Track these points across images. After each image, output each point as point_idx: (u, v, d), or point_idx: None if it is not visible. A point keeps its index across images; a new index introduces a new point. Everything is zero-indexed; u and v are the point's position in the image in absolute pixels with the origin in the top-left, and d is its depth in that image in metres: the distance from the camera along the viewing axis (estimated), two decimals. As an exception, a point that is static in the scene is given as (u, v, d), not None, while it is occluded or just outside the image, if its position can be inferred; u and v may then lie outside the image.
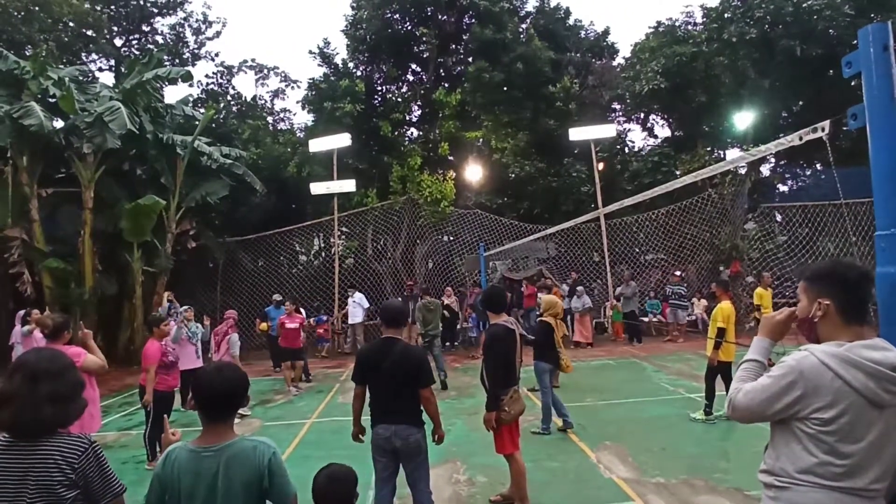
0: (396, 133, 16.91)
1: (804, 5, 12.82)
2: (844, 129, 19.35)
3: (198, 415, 2.01)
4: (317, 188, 14.81)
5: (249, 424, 7.47)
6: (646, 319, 14.48)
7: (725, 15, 14.67)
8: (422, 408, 3.53)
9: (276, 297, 11.60)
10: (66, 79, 12.44)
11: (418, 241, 16.41)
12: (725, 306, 6.61)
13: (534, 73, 16.17)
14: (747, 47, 13.86)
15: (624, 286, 13.66)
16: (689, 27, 16.57)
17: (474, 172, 17.18)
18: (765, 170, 19.13)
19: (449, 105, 16.58)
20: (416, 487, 3.57)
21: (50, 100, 12.81)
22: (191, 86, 20.43)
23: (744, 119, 15.25)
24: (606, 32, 19.24)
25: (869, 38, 2.00)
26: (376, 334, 14.37)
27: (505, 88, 16.44)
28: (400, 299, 13.12)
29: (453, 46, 18.87)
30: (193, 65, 22.28)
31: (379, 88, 18.43)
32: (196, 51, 22.52)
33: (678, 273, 13.94)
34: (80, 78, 14.50)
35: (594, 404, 7.73)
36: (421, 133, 18.76)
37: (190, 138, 13.89)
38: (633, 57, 17.93)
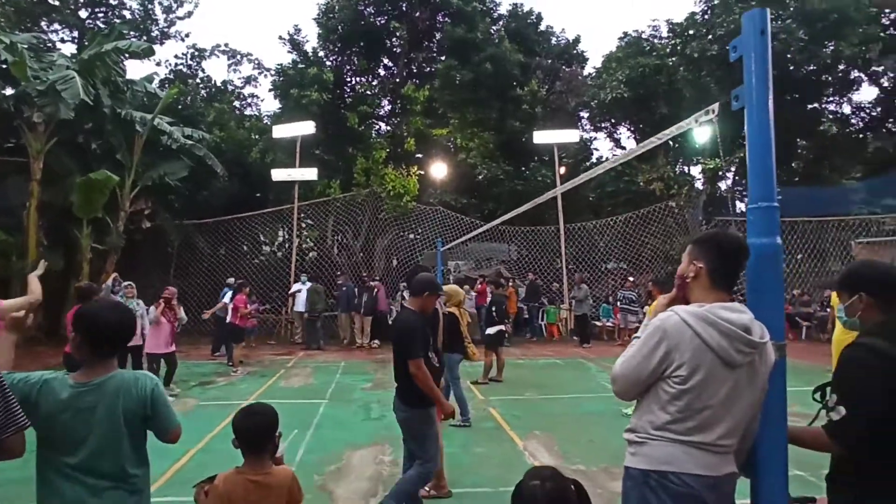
0: (364, 125, 16.84)
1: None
2: (799, 150, 20.16)
3: (80, 352, 1.97)
4: (278, 174, 14.64)
5: (185, 403, 7.33)
6: (598, 323, 14.77)
7: (689, 31, 15.12)
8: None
9: (231, 280, 11.45)
10: (20, 45, 11.97)
11: (379, 235, 16.37)
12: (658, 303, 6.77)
13: (502, 74, 16.35)
14: (709, 63, 14.33)
15: (576, 289, 13.90)
16: (655, 40, 17.01)
17: (440, 170, 17.26)
18: (723, 185, 19.79)
19: (417, 101, 16.61)
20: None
21: (1, 66, 12.31)
22: (158, 64, 19.98)
23: (703, 133, 15.71)
24: (577, 41, 19.60)
25: (751, 23, 2.08)
26: (330, 326, 14.38)
27: (473, 88, 16.55)
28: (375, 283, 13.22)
29: (425, 43, 18.94)
30: (162, 44, 21.73)
31: (348, 80, 18.36)
32: (165, 29, 21.96)
33: (631, 279, 14.27)
34: (38, 45, 13.98)
35: (532, 398, 7.84)
36: (389, 128, 18.74)
37: (150, 116, 13.53)
38: (602, 66, 18.32)
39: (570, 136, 15.46)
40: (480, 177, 16.80)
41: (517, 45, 17.12)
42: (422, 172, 17.57)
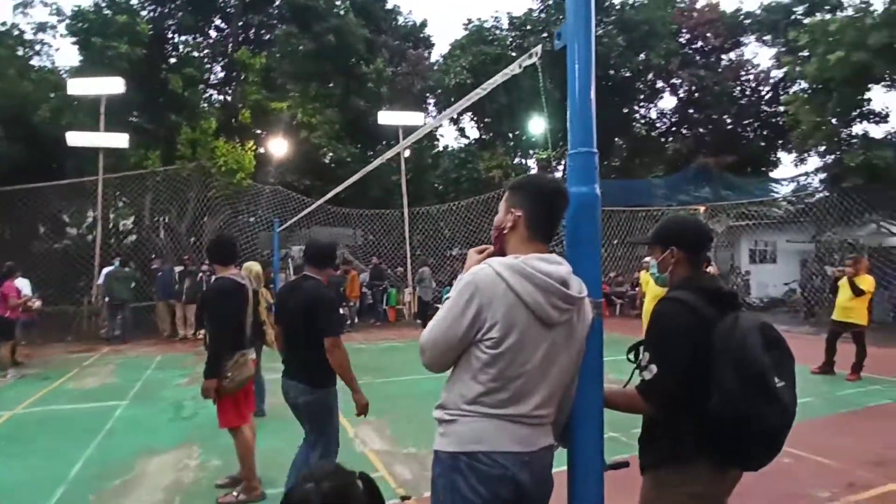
0: (189, 91, 14.89)
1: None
2: (616, 148, 22.56)
3: None
4: (75, 139, 12.30)
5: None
6: (440, 306, 15.00)
7: (527, 26, 15.90)
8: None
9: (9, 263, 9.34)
10: None
11: (209, 216, 14.71)
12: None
13: (346, 48, 15.65)
14: (544, 58, 15.20)
15: (419, 273, 13.92)
16: (497, 31, 17.66)
17: (280, 147, 16.07)
18: (557, 175, 21.43)
19: (252, 68, 15.16)
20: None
21: None
22: None
23: (537, 126, 16.75)
24: (424, 24, 19.61)
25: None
26: (148, 317, 12.57)
27: (316, 60, 15.60)
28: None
29: (264, 6, 17.35)
30: None
31: (171, 36, 16.11)
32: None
33: (471, 263, 14.69)
34: None
35: (369, 382, 7.47)
36: (222, 97, 16.91)
37: None
38: (448, 53, 18.56)
39: (415, 118, 15.34)
40: (327, 159, 15.99)
41: (363, 19, 16.50)
42: (262, 151, 16.22)
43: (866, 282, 7.25)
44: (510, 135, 18.89)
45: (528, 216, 1.62)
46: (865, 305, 7.35)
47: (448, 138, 28.51)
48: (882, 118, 13.45)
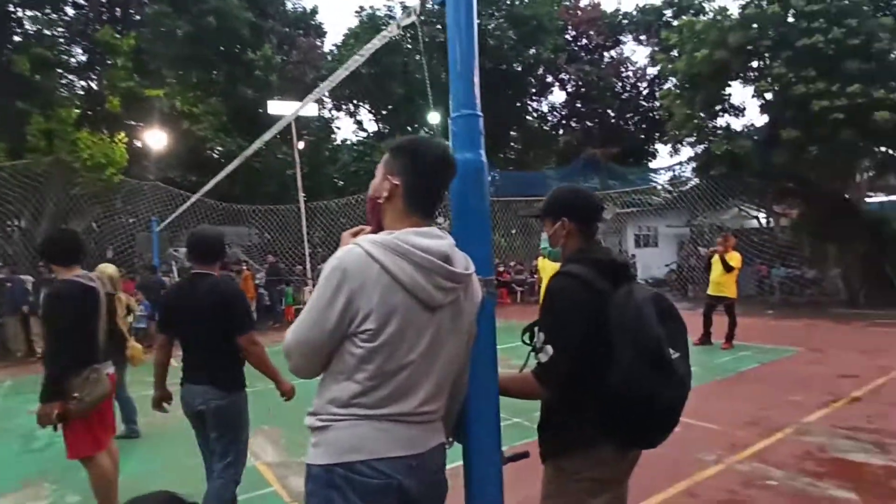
0: (41, 74, 13.04)
1: (476, 21, 14.69)
2: (511, 141, 23.21)
3: None
4: None
5: None
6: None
7: (420, 16, 15.75)
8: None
9: None
10: None
11: (75, 217, 13.05)
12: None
13: (229, 32, 14.57)
14: (439, 50, 15.16)
15: (319, 269, 13.36)
16: (391, 20, 17.39)
17: (158, 139, 14.66)
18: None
19: (120, 50, 13.60)
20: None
21: None
22: None
23: (434, 118, 16.71)
24: (315, 11, 18.78)
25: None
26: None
27: (194, 44, 14.36)
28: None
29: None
30: None
31: (13, 11, 13.99)
32: None
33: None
34: None
35: (262, 389, 6.88)
36: (85, 83, 15.06)
37: None
38: (342, 43, 17.98)
39: (308, 108, 14.64)
40: (215, 153, 14.84)
41: (246, 2, 15.44)
42: (139, 144, 14.68)
43: (735, 258, 7.97)
44: (408, 127, 18.72)
45: (406, 186, 1.40)
46: (734, 280, 8.08)
47: (346, 132, 27.85)
48: (741, 111, 14.97)
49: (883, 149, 12.96)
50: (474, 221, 1.59)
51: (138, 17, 15.84)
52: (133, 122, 15.20)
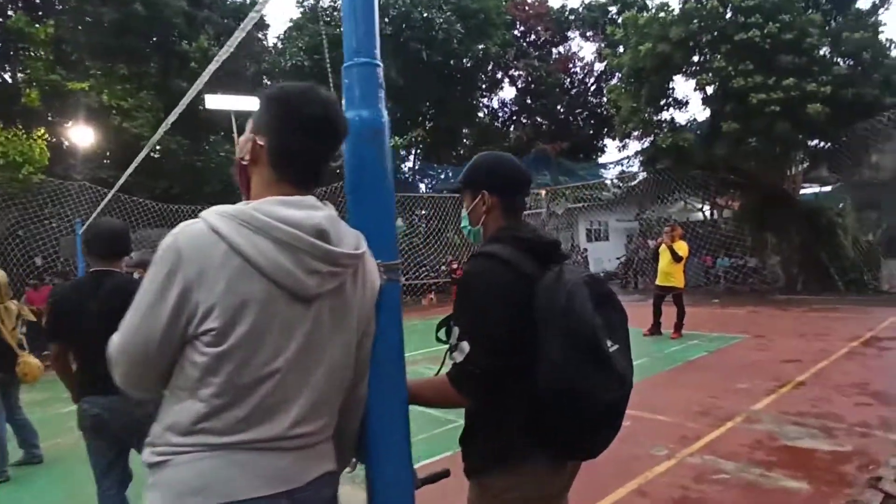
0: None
1: (425, 15, 14.42)
2: (464, 138, 23.10)
3: None
4: None
5: None
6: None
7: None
8: None
9: None
10: None
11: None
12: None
13: (161, 22, 13.73)
14: (384, 43, 14.80)
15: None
16: (335, 12, 16.87)
17: (85, 136, 13.65)
18: (406, 167, 21.27)
19: (37, 39, 12.55)
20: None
21: None
22: None
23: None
24: (254, 2, 17.99)
25: None
26: None
27: (121, 33, 13.43)
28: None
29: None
30: None
31: None
32: None
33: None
34: None
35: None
36: (-3, 74, 13.89)
37: None
38: (285, 34, 17.34)
39: (248, 103, 13.94)
40: (154, 154, 13.97)
41: (179, -10, 14.61)
42: (66, 142, 13.61)
43: (682, 248, 7.99)
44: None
45: (272, 147, 1.09)
46: (682, 270, 8.12)
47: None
48: (684, 104, 15.32)
49: (816, 141, 13.50)
50: (372, 194, 1.29)
51: (59, 5, 14.72)
52: (55, 118, 14.13)
